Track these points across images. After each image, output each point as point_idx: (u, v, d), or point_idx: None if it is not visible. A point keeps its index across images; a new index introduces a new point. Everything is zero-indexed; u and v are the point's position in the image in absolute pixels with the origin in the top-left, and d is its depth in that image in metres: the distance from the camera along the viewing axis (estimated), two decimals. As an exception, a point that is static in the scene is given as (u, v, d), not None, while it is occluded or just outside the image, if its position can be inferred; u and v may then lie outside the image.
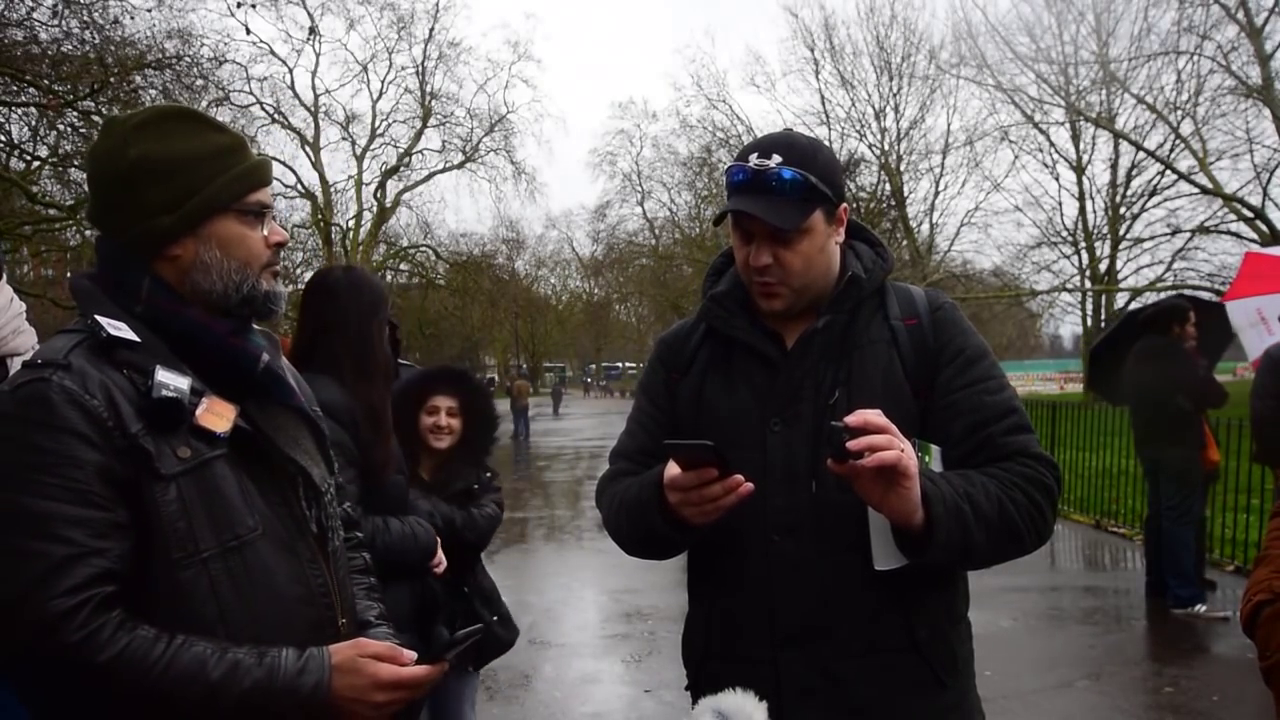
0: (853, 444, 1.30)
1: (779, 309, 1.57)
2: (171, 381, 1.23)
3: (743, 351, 1.61)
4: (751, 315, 1.62)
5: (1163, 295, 9.91)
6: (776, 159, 1.51)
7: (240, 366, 1.34)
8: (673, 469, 1.43)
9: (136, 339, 1.25)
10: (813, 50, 28.38)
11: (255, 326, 1.43)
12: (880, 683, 1.48)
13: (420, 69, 28.20)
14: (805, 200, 1.51)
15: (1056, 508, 1.51)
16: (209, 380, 1.29)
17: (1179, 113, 21.54)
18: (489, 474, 3.03)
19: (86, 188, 1.43)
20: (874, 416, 1.34)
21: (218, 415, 1.27)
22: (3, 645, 1.15)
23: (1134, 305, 19.80)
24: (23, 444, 1.16)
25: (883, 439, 1.31)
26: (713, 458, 1.38)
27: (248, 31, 14.17)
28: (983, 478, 1.45)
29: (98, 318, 1.24)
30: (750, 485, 1.39)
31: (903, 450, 1.32)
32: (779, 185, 1.50)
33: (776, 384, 1.56)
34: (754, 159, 1.52)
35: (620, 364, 68.05)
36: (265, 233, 1.36)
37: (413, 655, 1.31)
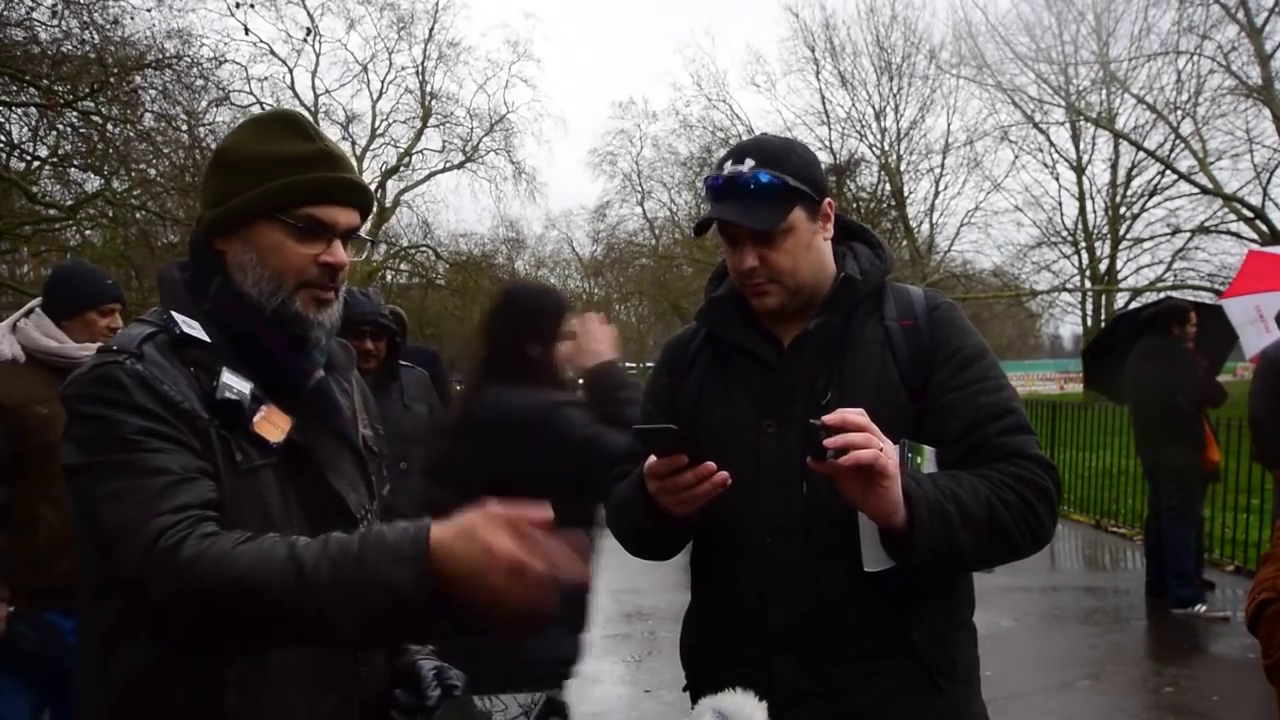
0: (829, 442, 1.30)
1: (772, 306, 1.57)
2: (235, 385, 1.24)
3: (739, 354, 1.61)
4: (749, 318, 1.62)
5: (1162, 295, 9.90)
6: (750, 163, 1.53)
7: (289, 382, 1.33)
8: (651, 457, 1.43)
9: (207, 339, 1.26)
10: (813, 50, 28.38)
11: (319, 347, 1.39)
12: (873, 687, 1.47)
13: (420, 69, 28.21)
14: (782, 200, 1.52)
15: (1055, 510, 1.49)
16: (263, 390, 1.29)
17: (1179, 113, 21.56)
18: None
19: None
20: (853, 415, 1.34)
21: (274, 425, 1.27)
22: (125, 578, 1.14)
23: (1133, 305, 19.83)
24: (104, 418, 1.18)
25: (860, 437, 1.31)
26: (679, 443, 1.39)
27: (247, 31, 14.08)
28: (973, 479, 1.43)
29: (174, 314, 1.26)
30: (725, 474, 1.39)
31: (881, 450, 1.31)
32: (755, 188, 1.52)
33: (771, 386, 1.56)
34: (728, 166, 1.54)
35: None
36: (318, 251, 1.32)
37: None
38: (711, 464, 1.39)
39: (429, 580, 1.03)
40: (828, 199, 1.59)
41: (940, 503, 1.37)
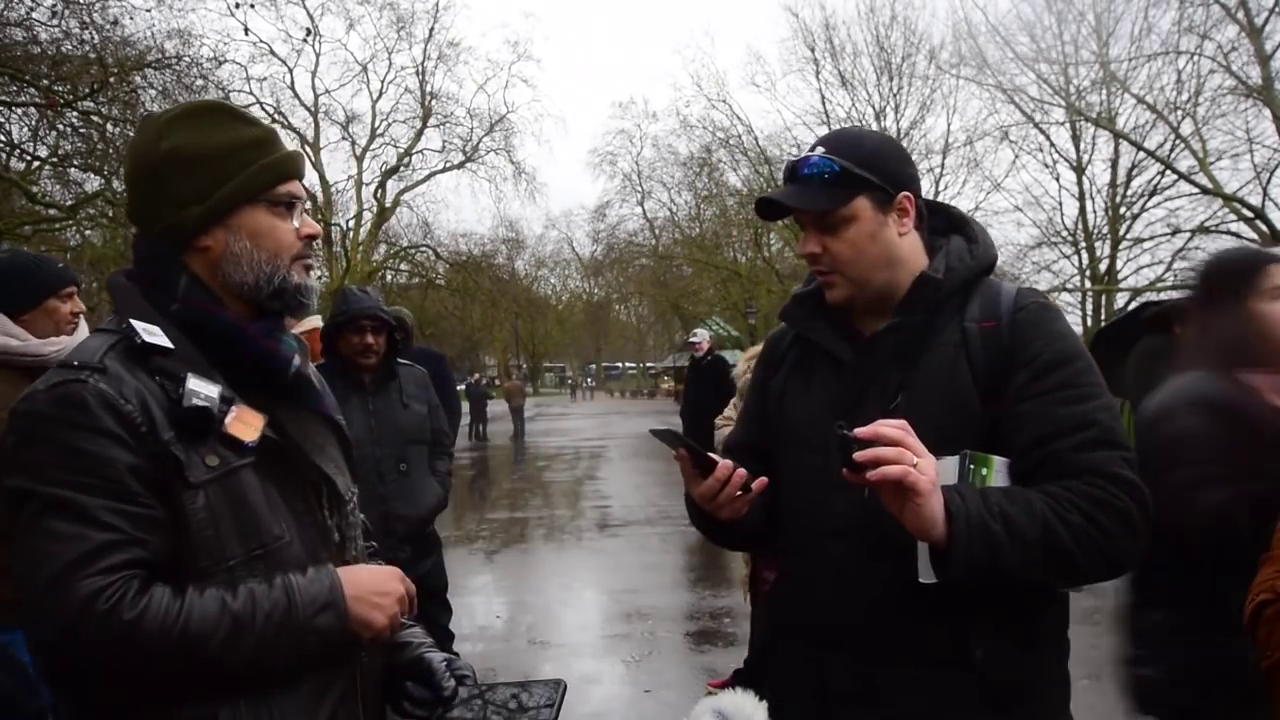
0: (858, 456, 1.28)
1: (839, 299, 1.54)
2: (202, 390, 1.23)
3: (819, 352, 1.60)
4: (833, 317, 1.59)
5: (1163, 295, 9.84)
6: (820, 150, 1.51)
7: (272, 371, 1.34)
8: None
9: (170, 345, 1.25)
10: (813, 50, 28.40)
11: (288, 332, 1.43)
12: (921, 696, 1.43)
13: (420, 69, 28.21)
14: (843, 186, 1.48)
15: (1136, 532, 1.36)
16: (240, 384, 1.30)
17: (1179, 113, 21.54)
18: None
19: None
20: (885, 428, 1.30)
21: (246, 424, 1.27)
22: (41, 627, 1.14)
23: (1135, 304, 19.79)
24: (61, 444, 1.15)
25: (892, 452, 1.27)
26: (680, 443, 1.41)
27: (247, 31, 14.10)
28: (1033, 495, 1.35)
29: (133, 322, 1.24)
30: (764, 480, 1.43)
31: (914, 465, 1.27)
32: (814, 172, 1.50)
33: (845, 386, 1.54)
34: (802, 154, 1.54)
35: (620, 364, 67.98)
36: (296, 224, 1.37)
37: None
38: (727, 463, 1.41)
39: (346, 619, 1.26)
40: (905, 193, 1.51)
41: (984, 521, 1.31)
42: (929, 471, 1.30)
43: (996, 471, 1.40)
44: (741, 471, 1.42)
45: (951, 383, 1.46)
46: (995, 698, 1.41)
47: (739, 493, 1.44)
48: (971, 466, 1.39)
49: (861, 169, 1.48)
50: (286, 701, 1.25)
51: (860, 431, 1.29)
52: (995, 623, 1.42)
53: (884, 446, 1.28)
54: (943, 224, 1.61)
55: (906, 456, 1.28)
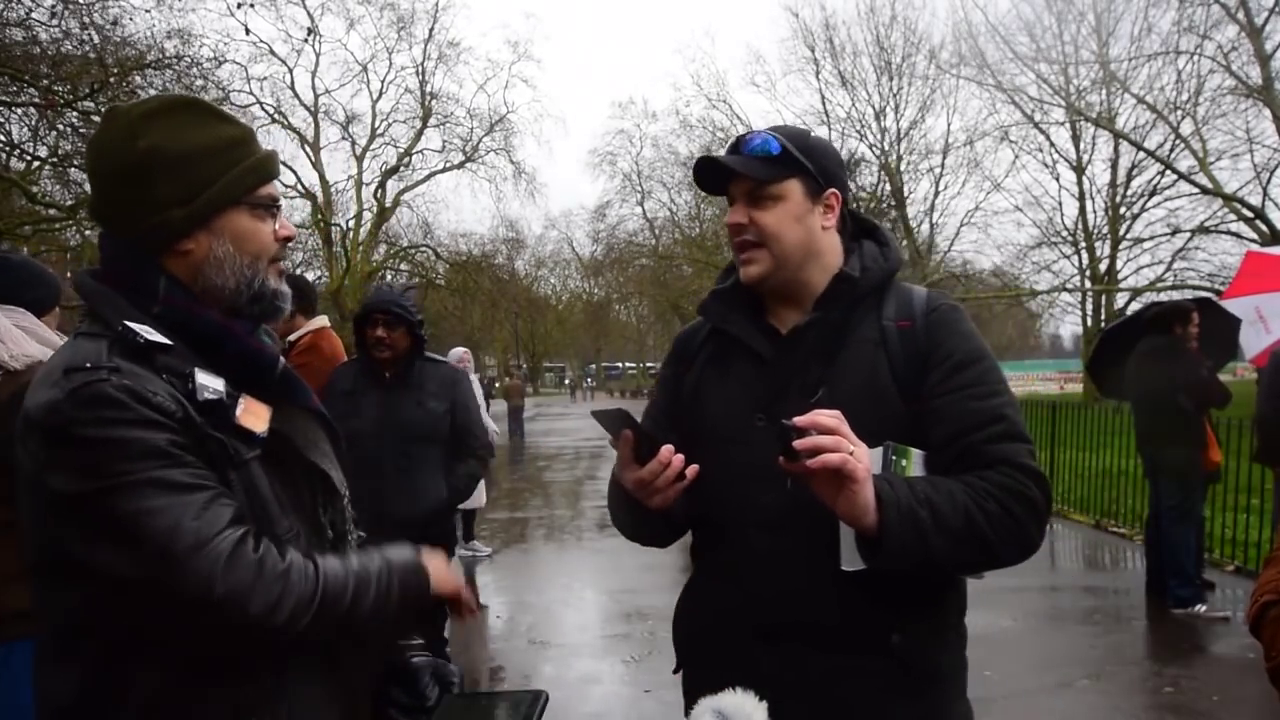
0: (797, 444, 1.31)
1: (755, 275, 1.57)
2: (211, 384, 1.22)
3: (738, 347, 1.62)
4: (750, 311, 1.63)
5: (1163, 295, 9.85)
6: (766, 134, 1.57)
7: (259, 369, 1.32)
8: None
9: (169, 342, 1.21)
10: (813, 50, 28.48)
11: (268, 331, 1.43)
12: (849, 683, 1.47)
13: (420, 69, 28.23)
14: (780, 165, 1.54)
15: (1042, 519, 1.46)
16: (230, 383, 1.27)
17: (1179, 113, 21.58)
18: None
19: (88, 181, 1.38)
20: (824, 418, 1.33)
21: (255, 416, 1.26)
22: (202, 591, 1.11)
23: (1135, 305, 19.83)
24: (113, 440, 1.11)
25: (830, 440, 1.31)
26: (627, 425, 1.42)
27: (247, 31, 14.18)
28: (953, 485, 1.42)
29: (128, 324, 1.19)
30: (680, 461, 1.43)
31: (851, 453, 1.32)
32: (751, 147, 1.56)
33: (764, 380, 1.57)
34: None
35: (620, 364, 67.98)
36: (276, 227, 1.35)
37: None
38: (669, 447, 1.43)
39: (429, 589, 1.34)
40: (833, 190, 1.58)
41: (912, 508, 1.36)
42: (865, 460, 1.35)
43: (915, 463, 1.47)
44: (680, 457, 1.44)
45: (872, 378, 1.52)
46: (913, 682, 1.47)
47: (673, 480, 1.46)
48: (894, 458, 1.45)
49: (801, 154, 1.55)
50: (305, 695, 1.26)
51: (799, 420, 1.33)
52: (910, 610, 1.48)
53: (821, 435, 1.32)
54: (853, 229, 1.68)
55: (844, 444, 1.32)
